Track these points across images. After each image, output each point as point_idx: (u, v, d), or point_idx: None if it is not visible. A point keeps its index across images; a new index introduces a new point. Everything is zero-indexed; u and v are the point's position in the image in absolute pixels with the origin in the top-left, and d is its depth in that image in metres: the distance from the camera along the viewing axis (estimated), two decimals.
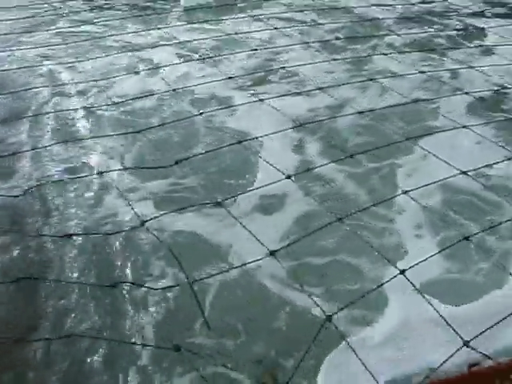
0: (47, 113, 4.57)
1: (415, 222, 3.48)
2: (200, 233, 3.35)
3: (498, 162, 4.02)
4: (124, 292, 2.94)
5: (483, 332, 2.63)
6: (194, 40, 5.98)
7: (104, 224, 3.39)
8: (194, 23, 6.49)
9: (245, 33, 6.21)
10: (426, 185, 3.76)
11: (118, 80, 5.10)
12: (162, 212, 3.47)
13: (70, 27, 6.30)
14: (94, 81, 5.07)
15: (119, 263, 3.12)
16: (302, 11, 7.05)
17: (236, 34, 6.16)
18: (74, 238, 3.26)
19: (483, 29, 6.69)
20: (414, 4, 7.44)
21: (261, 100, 4.75)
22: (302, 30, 6.45)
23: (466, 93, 5.03)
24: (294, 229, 3.39)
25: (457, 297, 2.96)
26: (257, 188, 3.72)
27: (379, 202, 3.60)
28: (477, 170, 3.92)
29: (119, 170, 3.89)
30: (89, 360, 2.58)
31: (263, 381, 2.49)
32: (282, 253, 3.19)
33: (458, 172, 3.88)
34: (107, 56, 5.56)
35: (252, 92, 4.93)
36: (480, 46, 6.15)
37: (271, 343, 2.71)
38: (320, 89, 4.99)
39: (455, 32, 6.57)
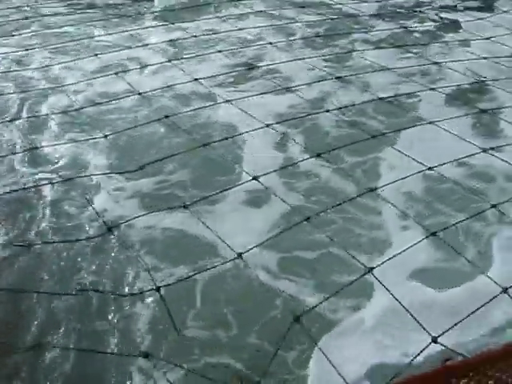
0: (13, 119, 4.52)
1: (400, 212, 3.54)
2: (177, 231, 3.37)
3: (477, 153, 4.10)
4: (92, 299, 2.89)
5: (452, 326, 2.65)
6: (173, 40, 5.98)
7: (70, 230, 3.33)
8: (171, 23, 6.48)
9: (224, 31, 6.24)
10: (407, 176, 3.82)
11: (106, 80, 5.11)
12: (134, 215, 3.44)
13: (43, 30, 6.25)
14: (70, 84, 5.05)
15: (86, 270, 3.06)
16: (279, 8, 7.12)
17: (214, 33, 6.18)
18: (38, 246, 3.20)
19: (457, 22, 6.80)
20: None
21: (244, 97, 4.78)
22: (281, 26, 6.49)
23: (445, 86, 5.12)
24: (279, 223, 3.42)
25: (441, 283, 3.03)
26: (240, 184, 3.75)
27: (363, 193, 3.66)
28: (457, 161, 4.00)
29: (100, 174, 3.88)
30: (58, 371, 2.53)
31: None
32: (267, 246, 3.23)
33: (439, 163, 3.95)
34: (83, 58, 5.55)
35: (234, 89, 4.96)
36: (455, 39, 6.27)
37: (261, 333, 2.74)
38: (300, 85, 5.04)
39: (430, 25, 6.68)
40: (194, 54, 5.62)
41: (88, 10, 6.88)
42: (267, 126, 4.37)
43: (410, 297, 2.90)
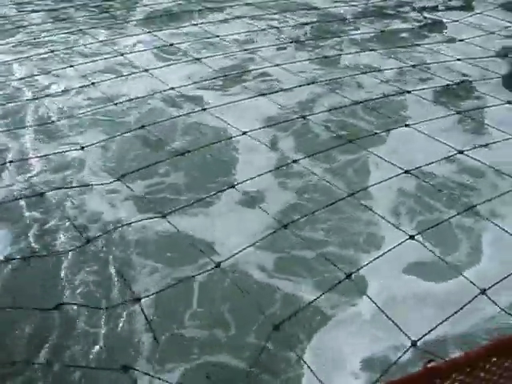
0: None
1: (392, 208, 3.62)
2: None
3: (470, 149, 4.17)
4: (69, 313, 2.86)
5: (432, 329, 2.69)
6: (163, 45, 6.03)
7: (48, 244, 3.30)
8: (155, 30, 6.51)
9: (214, 36, 6.29)
10: (399, 174, 3.89)
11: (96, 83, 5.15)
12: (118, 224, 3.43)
13: (30, 39, 6.24)
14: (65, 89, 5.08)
15: (65, 284, 3.03)
16: (263, 11, 7.17)
17: (206, 37, 6.24)
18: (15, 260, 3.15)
19: (441, 22, 6.89)
20: None
21: (235, 101, 4.84)
22: (266, 30, 6.55)
23: (427, 88, 5.19)
24: (275, 221, 3.47)
25: (433, 278, 3.10)
26: (234, 185, 3.79)
27: (356, 192, 3.72)
28: (448, 158, 4.09)
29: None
30: None
31: None
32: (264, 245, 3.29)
33: (430, 161, 4.04)
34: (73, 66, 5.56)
35: (224, 92, 5.02)
36: (441, 38, 6.36)
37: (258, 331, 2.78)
38: (291, 87, 5.11)
39: (416, 25, 6.77)
40: (180, 60, 5.68)
41: (70, 18, 6.89)
42: (259, 128, 4.43)
43: (401, 291, 2.99)
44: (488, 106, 4.84)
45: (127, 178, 3.88)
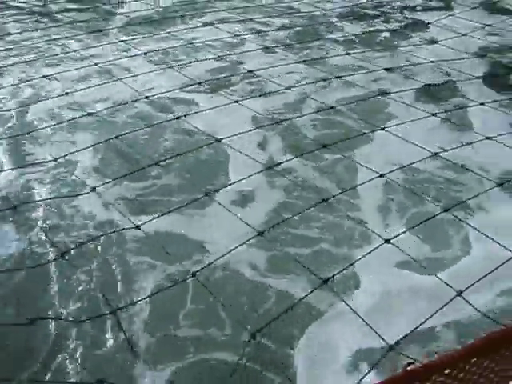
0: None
1: (383, 205, 3.68)
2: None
3: (456, 148, 4.27)
4: (46, 327, 2.81)
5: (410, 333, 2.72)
6: (149, 50, 6.04)
7: (21, 257, 3.25)
8: (142, 34, 6.53)
9: (199, 41, 6.31)
10: (390, 172, 3.97)
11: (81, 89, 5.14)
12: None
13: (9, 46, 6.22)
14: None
15: (39, 297, 2.99)
16: (247, 14, 7.22)
17: (190, 42, 6.25)
18: None
19: (424, 22, 6.98)
20: None
21: (225, 104, 4.89)
22: (254, 32, 6.60)
23: (419, 84, 5.30)
24: (268, 220, 3.53)
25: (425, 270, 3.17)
26: (224, 186, 3.84)
27: (346, 190, 3.79)
28: (431, 156, 4.17)
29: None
30: None
31: None
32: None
33: (420, 157, 4.13)
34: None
35: (212, 96, 5.06)
36: (423, 38, 6.46)
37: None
38: (279, 89, 5.17)
39: (397, 26, 6.87)
40: (166, 65, 5.70)
41: (51, 24, 6.86)
42: (249, 130, 4.48)
43: (394, 285, 3.05)
44: (469, 106, 4.92)
45: (118, 181, 3.91)
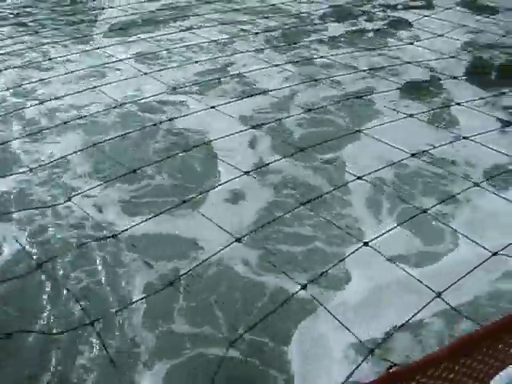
0: None
1: (372, 202, 3.74)
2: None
3: (443, 145, 4.34)
4: (24, 341, 2.78)
5: (388, 336, 2.76)
6: (138, 53, 6.07)
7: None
8: (128, 38, 6.55)
9: (185, 44, 6.33)
10: (376, 170, 4.03)
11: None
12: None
13: None
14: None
15: (16, 310, 2.95)
16: (233, 16, 7.26)
17: (177, 45, 6.27)
18: None
19: (407, 20, 7.06)
20: None
21: (213, 106, 4.93)
22: (238, 33, 6.64)
23: (404, 82, 5.39)
24: (258, 219, 3.58)
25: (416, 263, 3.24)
26: (216, 186, 3.89)
27: (336, 188, 3.85)
28: (422, 152, 4.24)
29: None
30: None
31: None
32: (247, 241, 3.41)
33: (406, 154, 4.21)
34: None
35: (203, 97, 5.11)
36: (407, 36, 6.54)
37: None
38: (267, 90, 5.22)
39: (380, 24, 6.94)
40: (157, 67, 5.75)
41: (34, 31, 6.81)
42: (238, 132, 4.52)
43: (383, 279, 3.11)
44: (452, 105, 4.99)
45: (111, 182, 3.95)
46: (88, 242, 3.37)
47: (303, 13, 7.35)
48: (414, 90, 5.22)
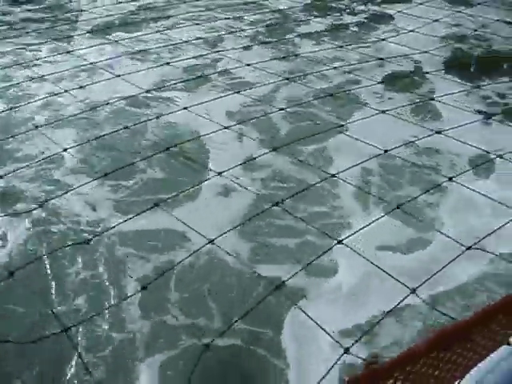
0: None
1: (359, 193, 3.82)
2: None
3: (425, 137, 4.43)
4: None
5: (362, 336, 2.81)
6: (126, 51, 6.10)
7: None
8: (113, 36, 6.55)
9: (173, 42, 6.36)
10: (362, 162, 4.10)
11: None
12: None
13: None
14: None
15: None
16: (214, 12, 7.29)
17: (163, 42, 6.32)
18: None
19: (389, 14, 7.13)
20: None
21: (200, 102, 4.98)
22: (222, 30, 6.69)
23: (388, 74, 5.47)
24: (249, 211, 3.65)
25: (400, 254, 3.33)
26: (208, 179, 3.97)
27: (321, 180, 3.92)
28: (408, 143, 4.35)
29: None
30: None
31: None
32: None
33: (390, 146, 4.28)
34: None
35: (190, 94, 5.17)
36: (389, 29, 6.63)
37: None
38: (253, 85, 5.29)
39: (362, 17, 7.03)
40: (146, 64, 5.79)
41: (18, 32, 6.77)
42: (226, 127, 4.59)
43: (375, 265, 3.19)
44: (436, 96, 5.07)
45: (104, 178, 4.00)
46: (79, 237, 3.38)
47: (285, 8, 7.39)
48: (397, 82, 5.31)
